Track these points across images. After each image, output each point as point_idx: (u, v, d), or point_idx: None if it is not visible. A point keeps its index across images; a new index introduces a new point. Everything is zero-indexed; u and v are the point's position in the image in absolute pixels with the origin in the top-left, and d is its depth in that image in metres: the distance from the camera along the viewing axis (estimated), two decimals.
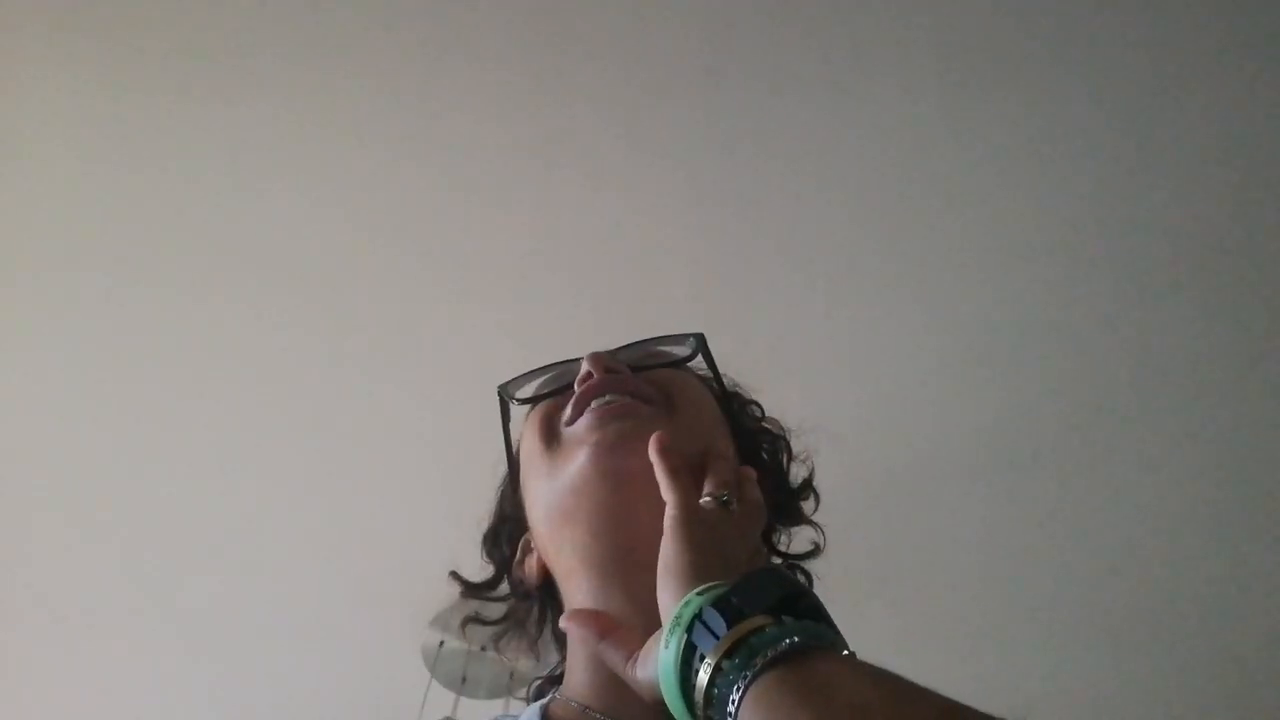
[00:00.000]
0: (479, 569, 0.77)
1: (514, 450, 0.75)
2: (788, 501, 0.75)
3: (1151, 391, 1.72)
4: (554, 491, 0.63)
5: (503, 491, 0.79)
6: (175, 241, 1.65)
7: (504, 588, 0.76)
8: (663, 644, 0.48)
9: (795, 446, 0.78)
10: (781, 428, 0.79)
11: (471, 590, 0.76)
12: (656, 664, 0.50)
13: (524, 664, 2.07)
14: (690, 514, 0.55)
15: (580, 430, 0.63)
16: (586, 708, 0.62)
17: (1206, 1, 1.36)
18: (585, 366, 0.67)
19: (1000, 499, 1.89)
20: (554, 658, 0.76)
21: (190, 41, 1.46)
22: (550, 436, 0.66)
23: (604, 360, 0.67)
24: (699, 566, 0.52)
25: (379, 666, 2.15)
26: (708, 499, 0.58)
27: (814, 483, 0.78)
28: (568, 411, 0.65)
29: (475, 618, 0.76)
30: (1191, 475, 1.82)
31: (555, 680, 0.73)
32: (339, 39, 1.45)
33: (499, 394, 0.74)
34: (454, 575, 0.77)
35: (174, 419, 1.85)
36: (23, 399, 1.85)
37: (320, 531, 1.99)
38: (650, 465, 0.59)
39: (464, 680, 2.07)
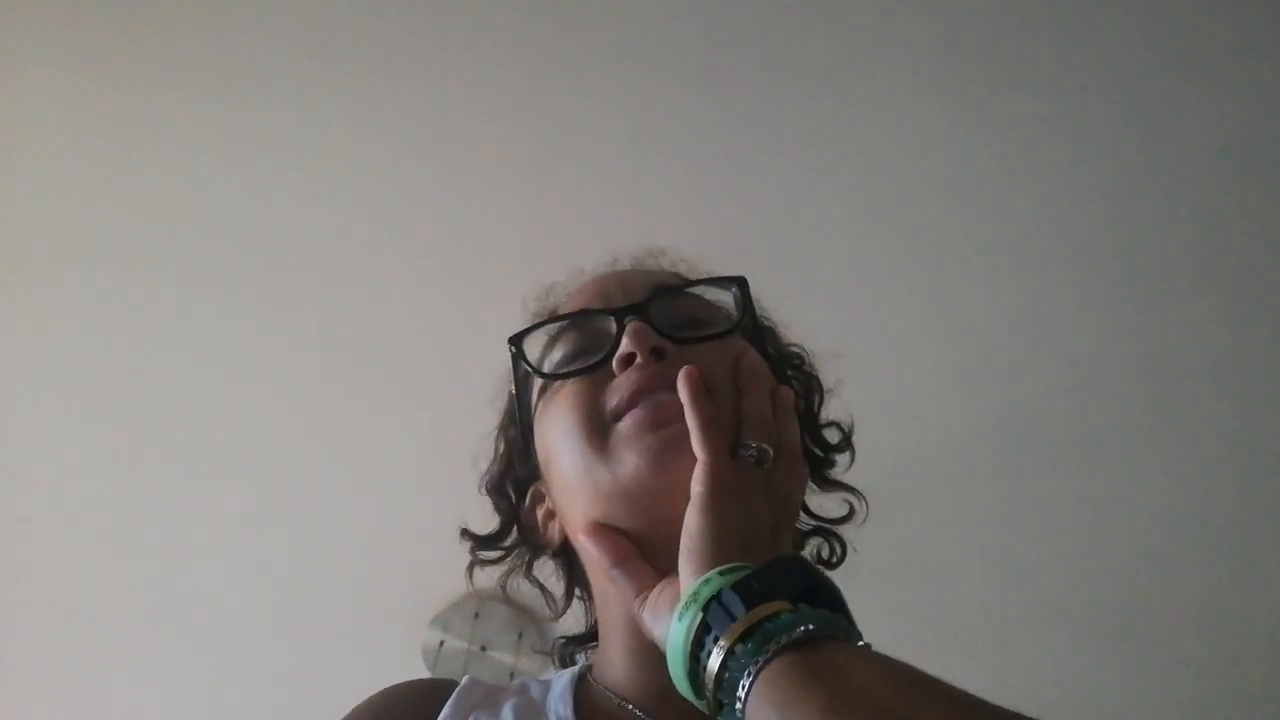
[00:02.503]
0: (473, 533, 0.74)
1: (528, 406, 0.69)
2: (823, 456, 0.71)
3: (1158, 389, 1.72)
4: (599, 489, 0.58)
5: (508, 438, 0.73)
6: (176, 238, 1.65)
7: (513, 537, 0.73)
8: (675, 616, 0.47)
9: (826, 383, 0.73)
10: (816, 370, 0.74)
11: (482, 543, 0.73)
12: (667, 632, 0.49)
13: (525, 663, 2.07)
14: (722, 483, 0.51)
15: (632, 431, 0.57)
16: (622, 699, 0.60)
17: (1211, 1, 1.36)
18: (626, 345, 0.59)
19: (1003, 497, 1.88)
20: (556, 621, 0.75)
21: (193, 37, 1.45)
22: (594, 423, 0.59)
23: (649, 339, 0.59)
24: (725, 543, 0.49)
25: (379, 666, 2.15)
26: (744, 451, 0.54)
27: (852, 439, 0.73)
28: (612, 400, 0.59)
29: (481, 560, 0.73)
30: (1199, 473, 1.81)
31: (578, 641, 0.71)
32: (342, 35, 1.45)
33: (510, 347, 0.67)
34: (465, 532, 0.74)
35: (173, 418, 1.85)
36: (24, 396, 1.84)
37: (320, 531, 1.99)
38: None
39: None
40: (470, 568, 0.74)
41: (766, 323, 0.74)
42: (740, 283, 0.66)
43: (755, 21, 1.41)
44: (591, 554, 0.58)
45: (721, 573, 0.47)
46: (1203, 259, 1.58)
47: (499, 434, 0.76)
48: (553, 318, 0.67)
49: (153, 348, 1.77)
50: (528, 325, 0.67)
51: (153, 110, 1.52)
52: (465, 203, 1.60)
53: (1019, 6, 1.38)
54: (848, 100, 1.47)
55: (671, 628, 0.47)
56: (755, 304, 0.69)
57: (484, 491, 0.74)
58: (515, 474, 0.72)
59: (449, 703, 0.63)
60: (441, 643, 2.03)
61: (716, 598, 0.45)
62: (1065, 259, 1.59)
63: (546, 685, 0.65)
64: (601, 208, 1.60)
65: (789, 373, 0.73)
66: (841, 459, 0.74)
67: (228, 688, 2.26)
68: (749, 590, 0.45)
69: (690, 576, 0.49)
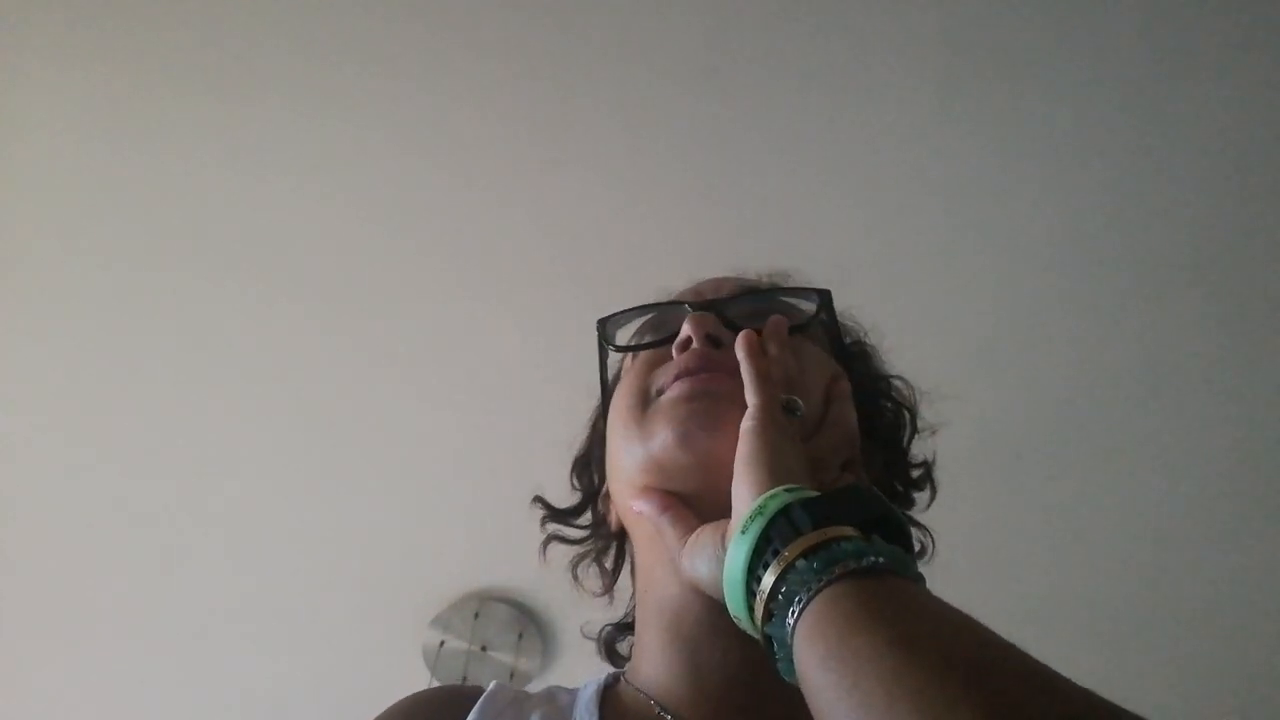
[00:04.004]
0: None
1: (610, 387, 0.70)
2: (904, 491, 0.70)
3: (1155, 390, 1.72)
4: (636, 462, 0.59)
5: (595, 424, 0.75)
6: (177, 238, 1.65)
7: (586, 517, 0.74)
8: (739, 529, 0.45)
9: (923, 422, 0.72)
10: (912, 401, 0.73)
11: (555, 515, 0.74)
12: (713, 556, 0.48)
13: (525, 663, 2.07)
14: (773, 418, 0.51)
15: (666, 403, 0.59)
16: (654, 700, 0.59)
17: (1211, 1, 1.36)
18: (685, 330, 0.61)
19: (1000, 498, 1.88)
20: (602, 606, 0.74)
21: (195, 36, 1.45)
22: (640, 399, 0.61)
23: (706, 326, 0.60)
24: (782, 464, 0.48)
25: (379, 666, 2.15)
26: (781, 400, 0.54)
27: (934, 473, 0.71)
28: (660, 379, 0.60)
29: (557, 536, 0.74)
30: (1197, 473, 1.81)
31: (625, 628, 0.71)
32: (344, 34, 1.45)
33: (598, 329, 0.69)
34: (538, 499, 0.75)
35: (174, 417, 1.85)
36: (25, 395, 1.84)
37: (320, 531, 1.99)
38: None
39: (464, 680, 2.07)
40: (545, 543, 0.74)
41: (861, 346, 0.75)
42: (823, 294, 0.67)
43: (756, 21, 1.41)
44: (642, 510, 0.57)
45: (787, 490, 0.46)
46: (1202, 259, 1.58)
47: (590, 421, 0.77)
48: (637, 307, 0.69)
49: (153, 347, 1.77)
50: (616, 312, 0.70)
51: (154, 110, 1.52)
52: (465, 202, 1.61)
53: (1020, 6, 1.39)
54: (848, 100, 1.48)
55: (732, 543, 0.45)
56: (843, 321, 0.71)
57: (571, 471, 0.76)
58: (598, 455, 0.73)
59: (474, 711, 0.62)
60: (441, 643, 2.04)
61: (784, 511, 0.44)
62: (1065, 258, 1.60)
63: (574, 694, 0.64)
64: (604, 208, 1.60)
65: (882, 401, 0.72)
66: (921, 496, 0.73)
67: (228, 688, 2.26)
68: (818, 509, 0.43)
69: (750, 493, 0.47)
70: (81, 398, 1.84)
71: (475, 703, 0.63)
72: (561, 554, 0.75)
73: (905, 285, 1.64)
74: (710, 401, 0.56)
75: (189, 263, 1.67)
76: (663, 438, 0.57)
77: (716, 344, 0.60)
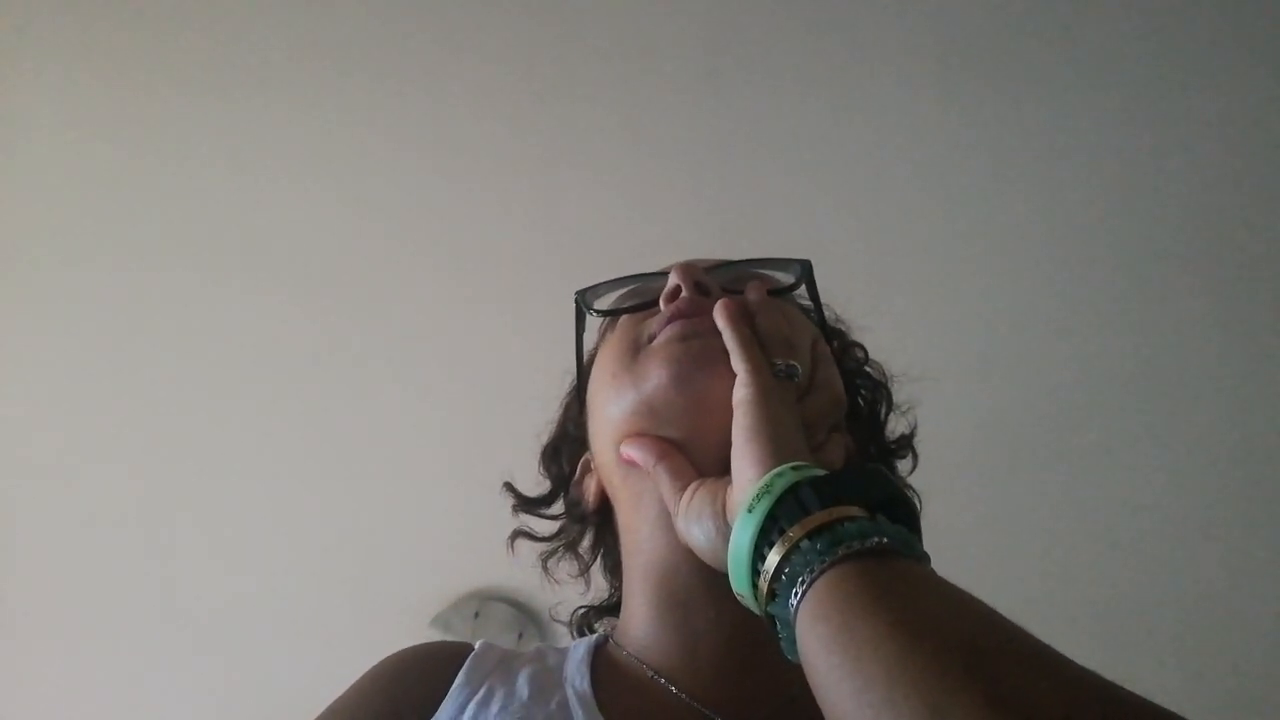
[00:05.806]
0: (503, 526, 0.72)
1: (585, 364, 0.69)
2: (880, 457, 0.69)
3: (1155, 389, 1.72)
4: (625, 409, 0.57)
5: (568, 406, 0.73)
6: (178, 239, 1.65)
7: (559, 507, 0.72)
8: (745, 507, 0.44)
9: (898, 398, 0.72)
10: (884, 375, 0.73)
11: (525, 504, 0.72)
12: (711, 525, 0.47)
13: None
14: (768, 387, 0.50)
15: (659, 344, 0.57)
16: (643, 662, 0.58)
17: (1211, 1, 1.36)
18: (673, 279, 0.60)
19: (998, 499, 1.88)
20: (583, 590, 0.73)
21: (194, 36, 1.46)
22: (630, 348, 0.59)
23: (694, 274, 0.60)
24: (786, 440, 0.47)
25: None
26: (775, 364, 0.53)
27: (914, 440, 0.71)
28: (651, 328, 0.59)
29: (525, 532, 0.72)
30: (1196, 474, 1.81)
31: (601, 611, 0.70)
32: (344, 37, 1.45)
33: (576, 300, 0.67)
34: (508, 486, 0.73)
35: (174, 418, 1.85)
36: (25, 396, 1.84)
37: (320, 531, 1.99)
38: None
39: None
40: (512, 538, 0.72)
41: (838, 325, 0.74)
42: (803, 263, 0.65)
43: (755, 23, 1.42)
44: (634, 457, 0.56)
45: (794, 467, 0.45)
46: (1201, 259, 1.58)
47: (561, 406, 0.75)
48: (617, 278, 0.67)
49: (152, 347, 1.77)
50: (597, 283, 0.68)
51: (154, 110, 1.52)
52: (467, 204, 1.61)
53: (1019, 7, 1.39)
54: (847, 101, 1.48)
55: (738, 521, 0.44)
56: (830, 313, 0.70)
57: (540, 460, 0.74)
58: (570, 439, 0.72)
59: (463, 669, 0.62)
60: None
61: (792, 490, 0.43)
62: (1064, 259, 1.60)
63: (564, 653, 0.63)
64: (602, 209, 1.60)
65: (857, 381, 0.72)
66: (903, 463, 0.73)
67: (227, 688, 2.26)
68: (826, 488, 0.42)
69: (754, 469, 0.46)
70: (81, 397, 1.84)
71: (465, 660, 0.63)
72: (535, 544, 0.73)
73: (904, 284, 1.64)
74: (705, 341, 0.55)
75: (189, 262, 1.67)
76: (657, 378, 0.56)
77: (705, 292, 0.59)
